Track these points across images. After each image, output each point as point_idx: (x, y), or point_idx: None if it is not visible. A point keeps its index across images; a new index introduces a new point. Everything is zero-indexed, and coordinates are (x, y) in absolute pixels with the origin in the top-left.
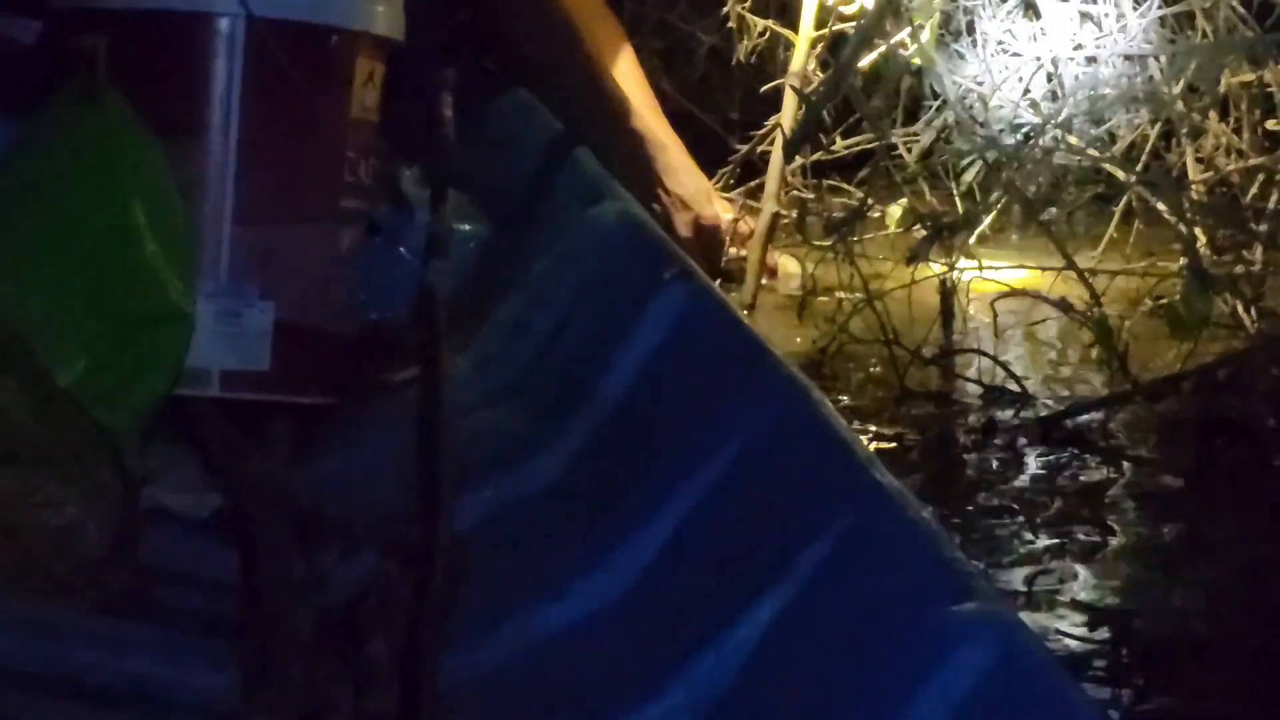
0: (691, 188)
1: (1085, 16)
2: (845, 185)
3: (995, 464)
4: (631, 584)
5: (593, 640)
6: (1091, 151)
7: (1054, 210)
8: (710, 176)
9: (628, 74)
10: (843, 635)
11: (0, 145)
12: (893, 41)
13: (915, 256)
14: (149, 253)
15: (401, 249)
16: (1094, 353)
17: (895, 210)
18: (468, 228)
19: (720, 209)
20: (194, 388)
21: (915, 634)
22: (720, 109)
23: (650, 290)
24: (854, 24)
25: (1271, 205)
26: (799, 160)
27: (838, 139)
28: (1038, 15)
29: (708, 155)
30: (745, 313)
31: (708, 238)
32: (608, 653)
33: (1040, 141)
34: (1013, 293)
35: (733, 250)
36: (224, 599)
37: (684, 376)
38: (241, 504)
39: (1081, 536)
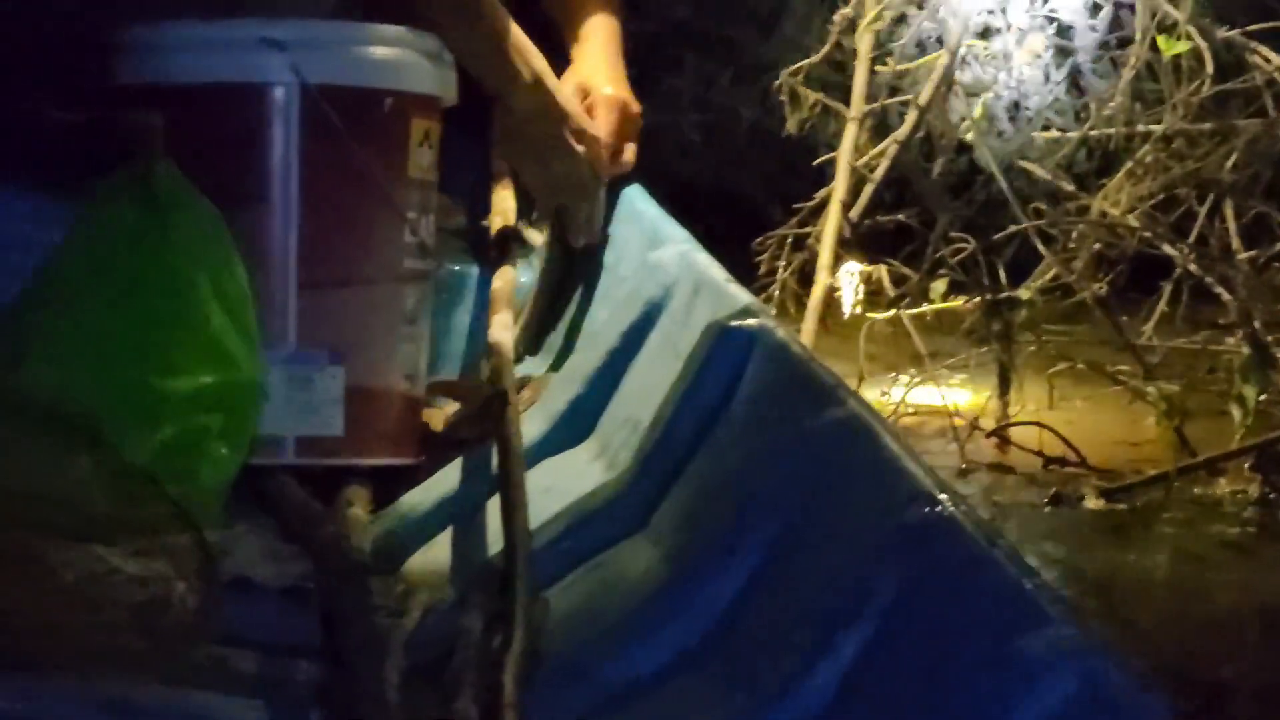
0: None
1: (1136, 98)
2: (891, 261)
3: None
4: (710, 629)
5: (674, 687)
6: (1135, 222)
7: (1103, 286)
8: (748, 246)
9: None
10: (924, 670)
11: (63, 225)
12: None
13: (975, 332)
14: (217, 325)
15: (467, 305)
16: (1153, 425)
17: (939, 285)
18: (527, 280)
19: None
20: (268, 456)
21: (999, 665)
22: (760, 182)
23: (715, 332)
24: (904, 99)
25: None
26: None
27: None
28: (1082, 92)
29: (748, 227)
30: None
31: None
32: (689, 700)
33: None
34: (1071, 366)
35: None
36: (308, 665)
37: (752, 416)
38: (320, 570)
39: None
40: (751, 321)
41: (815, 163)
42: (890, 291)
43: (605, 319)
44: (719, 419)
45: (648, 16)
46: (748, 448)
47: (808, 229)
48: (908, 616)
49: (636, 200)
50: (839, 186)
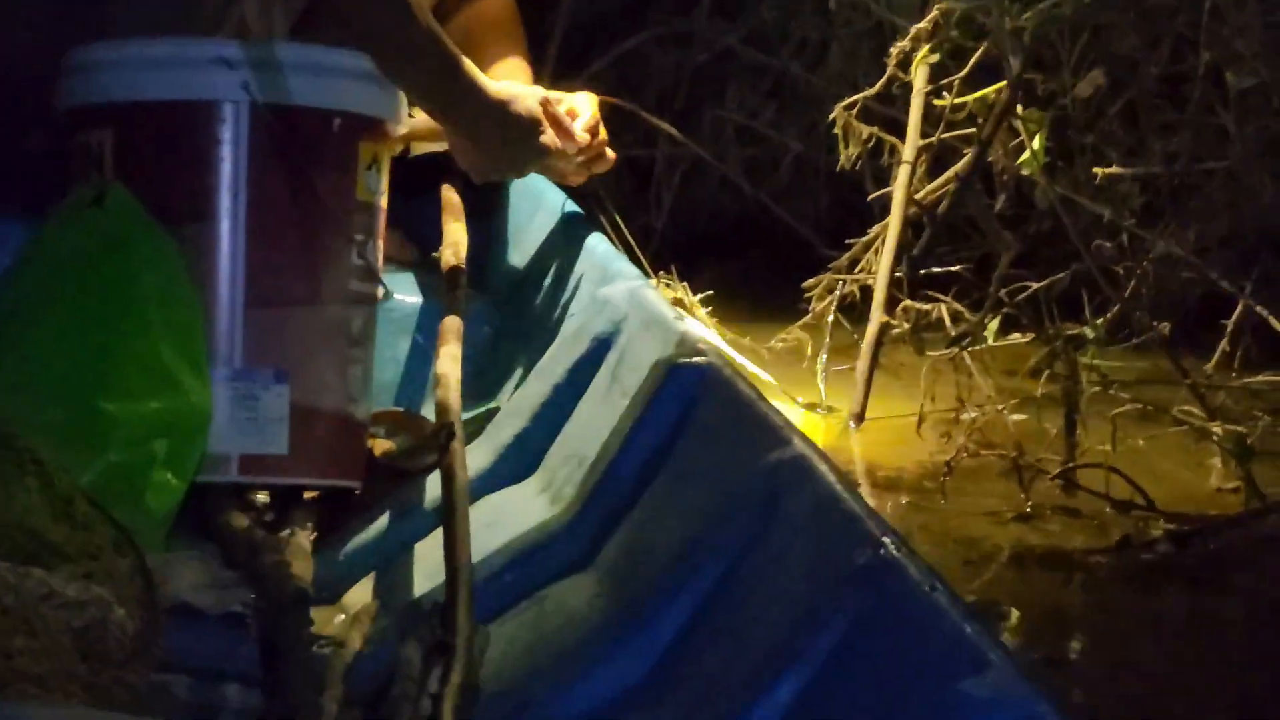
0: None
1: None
2: (943, 297)
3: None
4: (651, 666)
5: None
6: (1196, 261)
7: (1165, 325)
8: (800, 282)
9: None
10: (865, 712)
11: (14, 248)
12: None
13: (1039, 372)
14: (166, 352)
15: (416, 335)
16: (1218, 467)
17: (992, 324)
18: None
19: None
20: (213, 474)
21: (940, 707)
22: (805, 216)
23: (663, 369)
24: (961, 133)
25: None
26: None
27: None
28: (1134, 125)
29: (795, 261)
30: (854, 425)
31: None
32: None
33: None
34: (1142, 408)
35: None
36: (247, 693)
37: (699, 455)
38: (261, 598)
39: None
40: (699, 360)
41: (870, 198)
42: (951, 330)
43: (553, 354)
44: (666, 456)
45: (692, 47)
46: (694, 486)
47: (859, 266)
48: (850, 658)
49: (587, 236)
50: (894, 223)
